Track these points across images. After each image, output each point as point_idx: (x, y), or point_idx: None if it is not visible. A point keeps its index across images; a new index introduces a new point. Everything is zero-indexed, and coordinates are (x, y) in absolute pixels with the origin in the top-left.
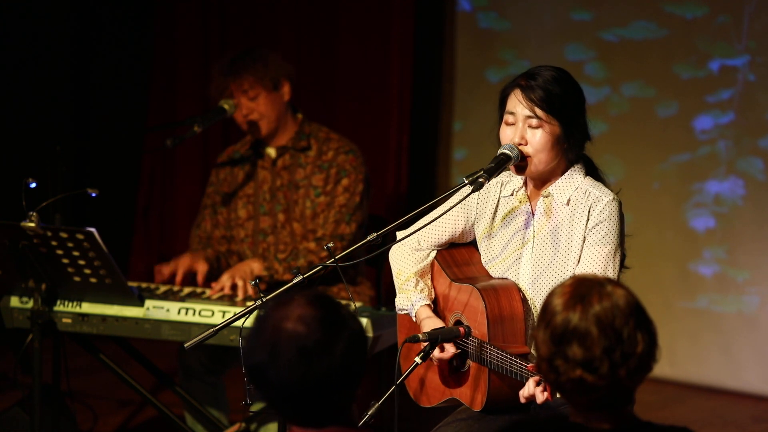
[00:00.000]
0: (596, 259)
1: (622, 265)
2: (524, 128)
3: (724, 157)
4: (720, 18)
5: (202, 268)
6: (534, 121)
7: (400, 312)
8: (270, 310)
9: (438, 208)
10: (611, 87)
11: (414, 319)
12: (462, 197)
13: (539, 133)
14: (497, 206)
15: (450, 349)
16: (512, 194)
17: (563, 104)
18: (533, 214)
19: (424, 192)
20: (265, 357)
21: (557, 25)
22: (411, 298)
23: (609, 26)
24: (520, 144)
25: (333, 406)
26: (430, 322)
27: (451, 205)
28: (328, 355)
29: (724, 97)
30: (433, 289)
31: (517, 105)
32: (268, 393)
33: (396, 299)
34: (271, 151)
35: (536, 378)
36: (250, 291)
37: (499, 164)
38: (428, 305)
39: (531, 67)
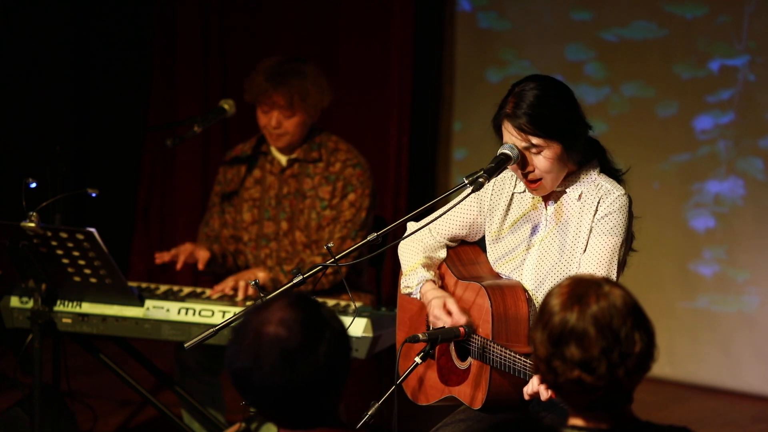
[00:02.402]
0: (602, 249)
1: (630, 249)
2: (528, 157)
3: (724, 157)
4: (720, 18)
5: (203, 255)
6: (533, 149)
7: (404, 291)
8: (250, 315)
9: (446, 205)
10: (611, 87)
11: (419, 297)
12: (463, 196)
13: (542, 157)
14: (510, 203)
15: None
16: (525, 190)
17: (555, 123)
18: (546, 210)
19: (424, 192)
20: (248, 362)
21: (557, 25)
22: (417, 275)
23: (609, 26)
24: (529, 171)
25: (320, 408)
26: (437, 302)
27: (455, 203)
28: (312, 356)
29: (724, 97)
30: (440, 278)
31: (512, 138)
32: (253, 398)
33: (402, 281)
34: (282, 159)
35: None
36: (251, 291)
37: (499, 164)
38: (433, 281)
39: (531, 67)
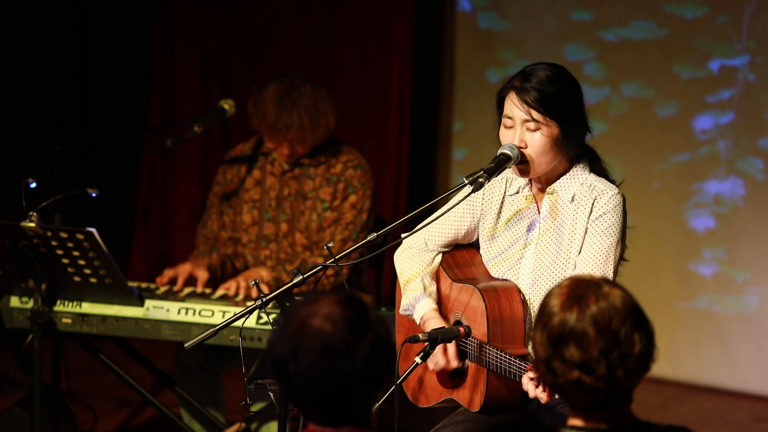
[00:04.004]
0: (598, 250)
1: (622, 258)
2: (523, 131)
3: (724, 157)
4: (720, 18)
5: (202, 276)
6: (532, 124)
7: (404, 313)
8: (298, 306)
9: (441, 209)
10: (611, 87)
11: (417, 321)
12: (463, 197)
13: (537, 135)
14: (502, 204)
15: (453, 361)
16: (518, 192)
17: (559, 104)
18: (539, 212)
19: (424, 192)
20: (288, 351)
21: (557, 25)
22: (413, 298)
23: (609, 26)
24: (520, 147)
25: (351, 407)
26: (434, 323)
27: (454, 203)
28: (351, 356)
29: (724, 97)
30: (436, 282)
31: (514, 108)
32: (287, 388)
33: (402, 301)
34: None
35: (530, 375)
36: (253, 293)
37: (499, 164)
38: (433, 308)
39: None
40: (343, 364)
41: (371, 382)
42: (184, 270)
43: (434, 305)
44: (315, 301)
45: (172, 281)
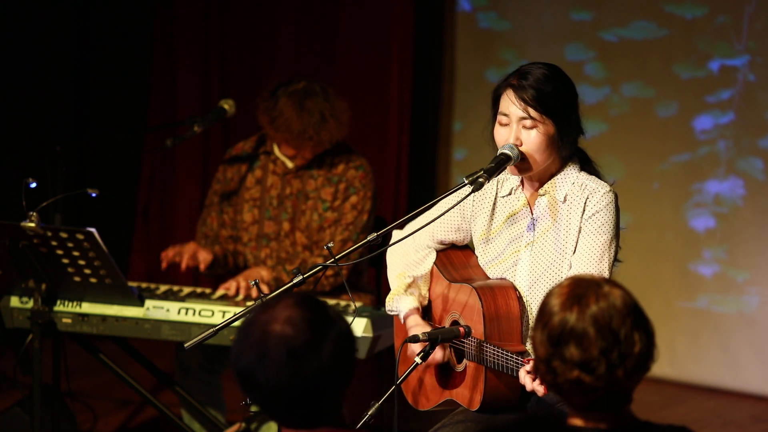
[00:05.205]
0: (592, 249)
1: (616, 258)
2: (518, 129)
3: (724, 157)
4: (720, 18)
5: (204, 256)
6: (528, 122)
7: (389, 312)
8: (256, 314)
9: (436, 208)
10: (611, 87)
11: (402, 321)
12: (462, 197)
13: (534, 133)
14: (494, 206)
15: (437, 355)
16: (510, 193)
17: (556, 103)
18: (532, 215)
19: (424, 192)
20: (253, 360)
21: (557, 25)
22: (399, 301)
23: (609, 26)
24: (515, 145)
25: (323, 407)
26: (417, 330)
27: (451, 205)
28: (317, 355)
29: (724, 97)
30: (427, 293)
31: (510, 106)
32: (257, 396)
33: (387, 298)
34: (288, 162)
35: (526, 368)
36: (253, 293)
37: (499, 164)
38: (417, 309)
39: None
40: (310, 364)
41: (340, 379)
42: (189, 248)
43: (415, 304)
44: (272, 306)
45: (173, 274)
